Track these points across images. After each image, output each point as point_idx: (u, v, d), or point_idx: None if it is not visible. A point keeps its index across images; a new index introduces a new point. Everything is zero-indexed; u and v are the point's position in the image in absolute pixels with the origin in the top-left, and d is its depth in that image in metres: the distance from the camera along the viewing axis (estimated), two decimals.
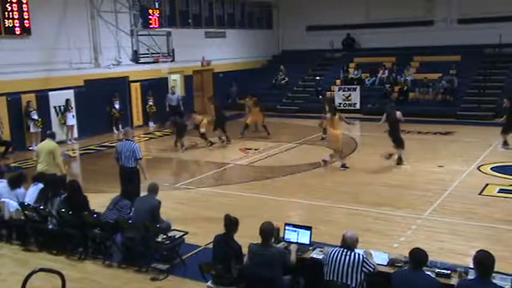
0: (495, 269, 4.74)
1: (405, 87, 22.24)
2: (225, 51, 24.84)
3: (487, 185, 11.06)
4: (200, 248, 7.75)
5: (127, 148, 9.49)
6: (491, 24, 22.32)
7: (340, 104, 23.02)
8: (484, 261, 4.60)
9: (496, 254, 4.76)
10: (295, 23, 27.05)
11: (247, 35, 26.49)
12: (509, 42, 22.11)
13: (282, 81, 25.58)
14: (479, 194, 10.56)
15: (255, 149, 15.56)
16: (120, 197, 8.02)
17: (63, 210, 7.88)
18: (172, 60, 20.63)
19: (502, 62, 22.37)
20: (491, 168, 12.47)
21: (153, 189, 7.73)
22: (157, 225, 7.34)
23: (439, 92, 21.46)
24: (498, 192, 10.66)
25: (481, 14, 22.58)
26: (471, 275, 5.00)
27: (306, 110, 22.51)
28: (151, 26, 19.39)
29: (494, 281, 4.76)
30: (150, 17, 19.26)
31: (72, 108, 17.66)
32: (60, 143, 17.01)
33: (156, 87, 21.08)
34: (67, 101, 17.52)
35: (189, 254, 7.56)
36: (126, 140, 9.79)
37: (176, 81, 22.84)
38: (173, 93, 21.45)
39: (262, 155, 14.75)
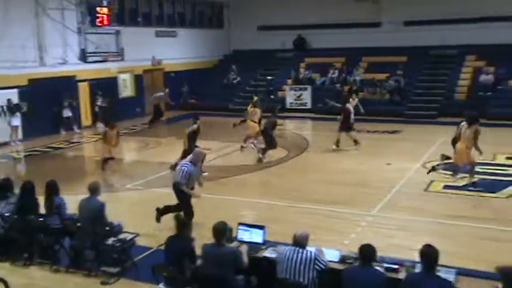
0: (440, 262, 4.92)
1: (354, 87, 22.71)
2: (176, 50, 24.63)
3: (432, 181, 11.46)
4: (152, 250, 7.64)
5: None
6: (435, 27, 23.17)
7: (292, 103, 23.29)
8: (429, 255, 4.79)
9: (442, 248, 4.94)
10: (246, 22, 27.11)
11: (199, 35, 26.35)
12: (452, 44, 22.97)
13: (234, 81, 25.61)
14: (425, 190, 10.93)
15: (207, 149, 15.46)
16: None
17: (7, 214, 7.58)
18: (122, 60, 20.26)
19: (445, 62, 23.21)
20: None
21: (94, 189, 7.38)
22: (107, 228, 7.18)
23: (387, 92, 22.07)
24: (443, 188, 11.06)
25: (426, 16, 23.39)
26: (418, 269, 5.16)
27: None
28: (99, 25, 18.97)
29: (439, 273, 4.93)
30: (98, 15, 18.85)
31: (23, 108, 16.98)
32: (4, 144, 16.56)
33: (105, 87, 20.62)
34: (8, 100, 16.81)
35: (141, 256, 7.44)
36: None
37: (126, 81, 22.43)
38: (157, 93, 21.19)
39: (213, 155, 14.70)
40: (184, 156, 12.49)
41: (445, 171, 11.69)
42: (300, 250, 5.41)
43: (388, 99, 22.06)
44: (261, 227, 6.41)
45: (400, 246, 7.72)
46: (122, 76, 22.05)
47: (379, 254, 5.29)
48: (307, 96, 23.34)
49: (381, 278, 5.04)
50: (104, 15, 19.31)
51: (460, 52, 23.18)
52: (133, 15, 22.71)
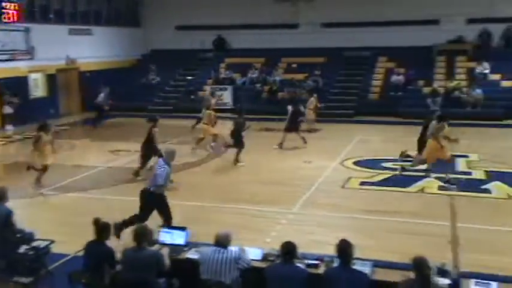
0: (357, 256, 5.11)
1: (274, 87, 23.10)
2: (91, 49, 23.78)
3: (349, 178, 11.88)
4: (69, 257, 7.33)
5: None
6: (350, 29, 24.06)
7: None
8: (344, 249, 5.00)
9: (358, 242, 5.14)
10: (163, 21, 26.68)
11: (115, 33, 25.61)
12: (366, 46, 23.95)
13: (153, 81, 25.16)
14: (343, 187, 11.31)
15: (126, 151, 15.10)
16: None
17: None
18: (32, 58, 19.25)
19: (359, 63, 24.17)
20: (354, 163, 13.41)
21: (1, 196, 6.87)
22: (18, 235, 6.78)
23: (306, 92, 22.59)
24: (360, 184, 11.51)
25: (342, 19, 24.22)
26: (336, 263, 5.32)
27: (179, 110, 22.36)
28: (7, 21, 17.91)
29: (355, 267, 5.13)
30: (4, 10, 17.78)
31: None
32: None
33: (14, 87, 19.49)
34: None
35: (57, 264, 7.11)
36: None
37: (38, 81, 21.34)
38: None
39: (133, 157, 14.33)
40: (144, 161, 12.08)
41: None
42: (222, 250, 5.40)
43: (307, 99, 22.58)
44: (183, 229, 6.34)
45: (320, 242, 7.91)
46: (33, 76, 20.94)
47: (300, 250, 5.40)
48: (228, 96, 23.40)
49: (302, 274, 5.15)
50: (12, 11, 18.24)
51: (373, 54, 24.25)
52: (44, 11, 21.66)
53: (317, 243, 7.83)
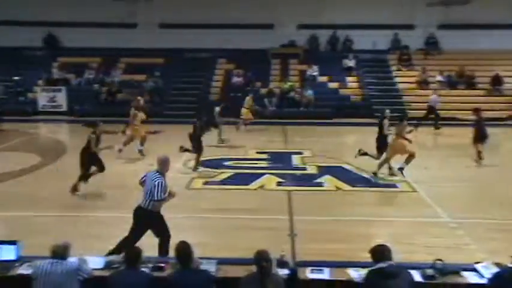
0: (204, 255, 5.14)
1: (113, 89, 22.31)
2: None
3: (193, 179, 11.94)
4: None
5: None
6: (189, 30, 24.16)
7: (45, 105, 21.72)
8: (182, 251, 4.99)
9: (205, 241, 5.17)
10: None
11: None
12: (205, 47, 24.30)
13: None
14: (187, 188, 11.32)
15: None
16: None
17: None
18: None
19: (200, 65, 24.45)
20: None
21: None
22: None
23: (146, 93, 22.24)
24: (203, 184, 11.64)
25: (180, 20, 24.24)
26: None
27: (6, 113, 20.40)
28: None
29: (202, 266, 5.17)
30: None
31: None
32: None
33: None
34: None
35: None
36: None
37: None
38: None
39: None
40: (86, 176, 10.61)
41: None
42: (60, 262, 5.03)
43: (148, 99, 22.24)
44: (12, 243, 5.77)
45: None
46: None
47: (147, 254, 5.26)
48: (61, 98, 22.01)
49: (146, 278, 5.04)
50: None
51: (213, 56, 24.74)
52: None
53: None
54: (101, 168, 10.81)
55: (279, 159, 14.02)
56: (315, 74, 23.76)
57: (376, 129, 12.69)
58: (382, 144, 12.35)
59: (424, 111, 20.14)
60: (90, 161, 10.69)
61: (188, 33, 24.16)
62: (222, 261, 5.71)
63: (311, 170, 13.07)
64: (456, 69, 23.40)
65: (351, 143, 17.89)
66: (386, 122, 12.40)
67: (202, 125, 13.41)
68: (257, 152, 14.99)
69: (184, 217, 9.39)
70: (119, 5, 24.43)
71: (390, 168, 12.31)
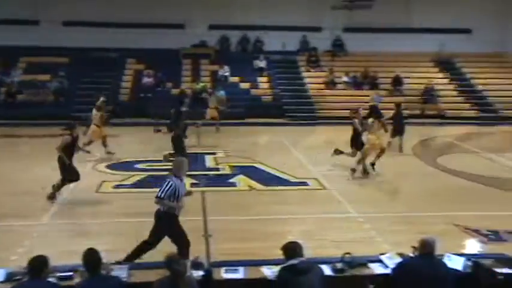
0: (113, 260, 4.98)
1: (13, 89, 21.07)
2: None
3: (103, 182, 11.56)
4: None
5: None
6: (95, 29, 23.37)
7: None
8: (88, 258, 4.81)
9: (118, 246, 5.00)
10: None
11: None
12: (113, 47, 23.58)
13: None
14: (97, 191, 10.94)
15: None
16: None
17: None
18: None
19: (107, 65, 23.65)
20: (106, 166, 13.10)
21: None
22: None
23: (51, 93, 21.24)
24: (114, 188, 11.30)
25: (85, 18, 23.32)
26: None
27: None
28: None
29: (113, 272, 5.04)
30: None
31: None
32: None
33: None
34: None
35: None
36: None
37: None
38: None
39: None
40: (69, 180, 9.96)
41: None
42: None
43: (53, 101, 21.25)
44: None
45: (75, 252, 7.46)
46: None
47: (54, 263, 4.99)
48: None
49: None
50: None
51: (121, 55, 24.07)
52: None
53: (72, 253, 7.35)
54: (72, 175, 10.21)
55: (192, 161, 13.90)
56: (226, 74, 23.86)
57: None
58: (357, 142, 12.86)
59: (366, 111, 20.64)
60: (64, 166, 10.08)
61: (95, 32, 23.34)
62: (134, 267, 5.59)
63: (224, 170, 13.12)
64: (361, 70, 24.50)
65: (264, 143, 18.22)
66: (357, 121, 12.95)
67: (182, 126, 13.66)
68: (170, 154, 14.76)
69: (96, 223, 9.13)
70: (20, 1, 23.05)
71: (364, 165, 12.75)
